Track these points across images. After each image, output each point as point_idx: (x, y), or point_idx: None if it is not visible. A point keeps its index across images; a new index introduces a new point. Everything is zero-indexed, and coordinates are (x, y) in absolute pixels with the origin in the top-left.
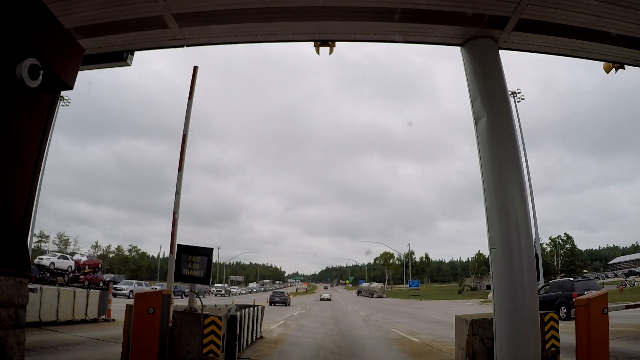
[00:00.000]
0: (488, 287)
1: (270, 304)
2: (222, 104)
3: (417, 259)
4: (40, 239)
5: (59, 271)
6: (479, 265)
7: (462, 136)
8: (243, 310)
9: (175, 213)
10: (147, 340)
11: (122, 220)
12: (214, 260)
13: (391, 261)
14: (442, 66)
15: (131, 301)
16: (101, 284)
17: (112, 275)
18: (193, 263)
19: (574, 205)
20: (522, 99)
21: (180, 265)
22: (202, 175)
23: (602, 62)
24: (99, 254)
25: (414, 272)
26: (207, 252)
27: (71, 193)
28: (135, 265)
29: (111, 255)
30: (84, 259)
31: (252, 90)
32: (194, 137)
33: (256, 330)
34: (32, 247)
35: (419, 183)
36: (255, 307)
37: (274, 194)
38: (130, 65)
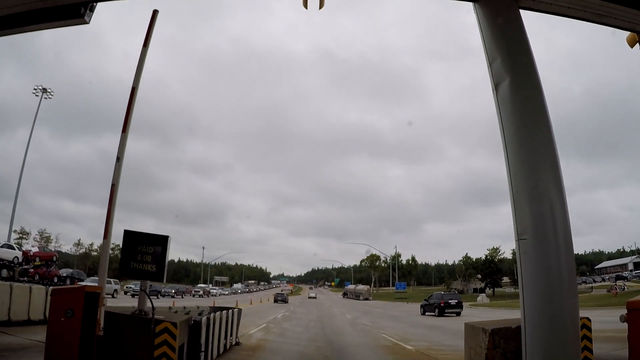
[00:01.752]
0: (475, 290)
1: (274, 302)
2: (207, 101)
3: (404, 262)
4: (20, 235)
5: (2, 262)
6: (467, 268)
7: (450, 138)
8: (213, 314)
9: (114, 185)
10: (63, 353)
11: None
12: (201, 259)
13: (377, 263)
14: (433, 66)
15: None
16: (55, 279)
17: (70, 270)
18: (144, 254)
19: None
20: None
21: (128, 257)
22: (187, 173)
23: (628, 33)
24: (81, 252)
25: (401, 275)
26: (161, 241)
27: (55, 190)
28: (117, 264)
29: (94, 253)
30: (35, 249)
31: (239, 88)
32: (179, 135)
33: (231, 335)
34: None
35: (406, 185)
36: (230, 310)
37: (260, 194)
38: (88, 23)
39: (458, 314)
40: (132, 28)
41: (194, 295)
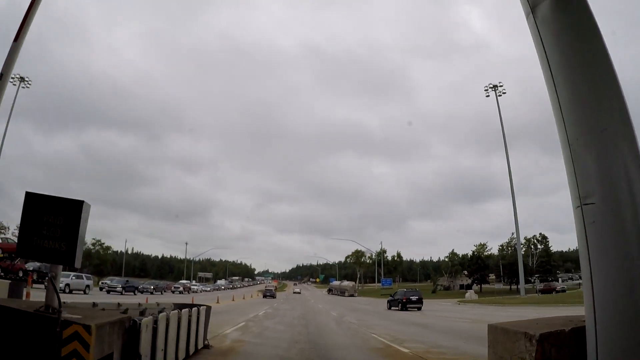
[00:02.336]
0: (462, 286)
1: (263, 297)
2: (194, 96)
3: (389, 258)
4: None
5: None
6: (453, 264)
7: (437, 135)
8: (165, 314)
9: None
10: None
11: (91, 215)
12: (184, 256)
13: (362, 259)
14: (420, 63)
15: (66, 297)
16: (21, 273)
17: (38, 264)
18: (50, 227)
19: (547, 207)
20: (504, 93)
21: (30, 231)
22: (173, 169)
23: None
24: None
25: (386, 271)
26: (74, 208)
27: (39, 185)
28: (98, 260)
29: None
30: None
31: (226, 83)
32: (165, 130)
33: (197, 338)
34: None
35: (392, 182)
36: (195, 308)
37: (246, 191)
38: None
39: (419, 308)
40: (117, 21)
41: (173, 292)
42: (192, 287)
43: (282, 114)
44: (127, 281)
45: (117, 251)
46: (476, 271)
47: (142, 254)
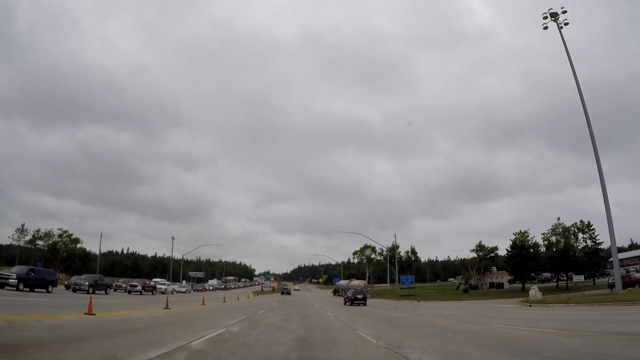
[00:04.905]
0: (492, 285)
1: (281, 294)
2: (190, 89)
3: (402, 254)
4: None
5: None
6: (480, 259)
7: (441, 129)
8: None
9: None
10: None
11: (89, 215)
12: (182, 255)
13: (372, 256)
14: (423, 55)
15: None
16: None
17: None
18: None
19: (552, 205)
20: (566, 24)
21: None
22: (170, 166)
23: None
24: (26, 239)
25: (399, 269)
26: None
27: (35, 185)
28: (66, 253)
29: (39, 242)
30: None
31: (222, 76)
32: (161, 126)
33: None
34: None
35: (394, 179)
36: None
37: (244, 189)
38: None
39: (364, 304)
40: (110, 11)
41: (130, 292)
42: (158, 285)
43: (281, 108)
44: (32, 271)
45: (113, 251)
46: (520, 264)
47: (138, 253)
